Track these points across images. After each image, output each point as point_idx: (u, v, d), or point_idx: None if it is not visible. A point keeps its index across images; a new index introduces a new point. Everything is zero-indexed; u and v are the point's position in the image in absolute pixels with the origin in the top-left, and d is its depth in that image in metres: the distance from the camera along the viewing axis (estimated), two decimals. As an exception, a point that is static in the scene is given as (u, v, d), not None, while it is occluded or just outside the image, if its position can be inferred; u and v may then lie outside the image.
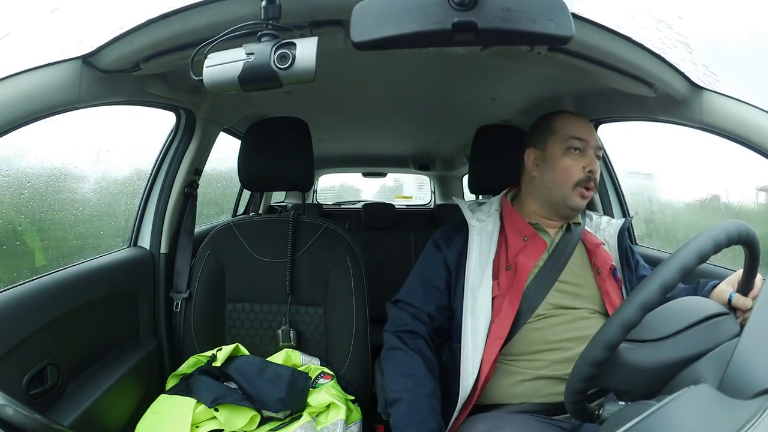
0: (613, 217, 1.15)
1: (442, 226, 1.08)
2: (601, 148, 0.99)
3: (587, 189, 0.95)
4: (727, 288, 0.75)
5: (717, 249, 0.56)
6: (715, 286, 0.80)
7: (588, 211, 1.10)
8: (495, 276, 0.93)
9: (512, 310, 0.89)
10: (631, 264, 1.02)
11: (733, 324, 0.59)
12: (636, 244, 1.46)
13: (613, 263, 0.98)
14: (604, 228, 1.06)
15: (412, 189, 4.03)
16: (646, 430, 0.45)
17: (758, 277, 0.67)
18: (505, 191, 1.09)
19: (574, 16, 0.57)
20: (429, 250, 1.04)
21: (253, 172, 1.23)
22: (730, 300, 0.70)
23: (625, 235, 1.05)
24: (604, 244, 1.01)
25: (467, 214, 1.01)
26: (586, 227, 1.02)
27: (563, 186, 0.95)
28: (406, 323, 0.97)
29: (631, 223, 1.42)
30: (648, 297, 0.54)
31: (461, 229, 1.01)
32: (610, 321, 0.56)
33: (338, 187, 4.04)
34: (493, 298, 0.91)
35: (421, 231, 2.48)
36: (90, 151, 1.26)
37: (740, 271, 0.69)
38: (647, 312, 0.54)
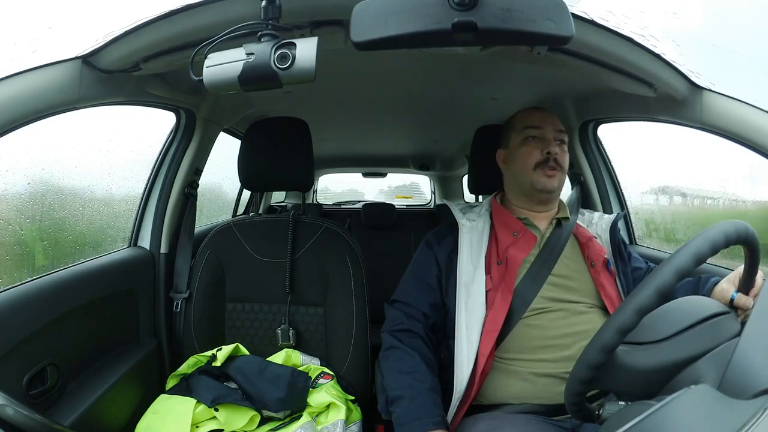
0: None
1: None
2: (562, 131, 1.02)
3: (550, 169, 0.98)
4: (728, 287, 0.75)
5: (715, 250, 0.56)
6: (716, 284, 0.80)
7: (581, 209, 1.12)
8: (487, 271, 0.95)
9: (505, 303, 0.90)
10: (624, 256, 1.03)
11: (733, 323, 0.58)
12: (636, 243, 1.46)
13: (606, 256, 0.99)
14: (596, 222, 1.08)
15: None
16: (646, 430, 0.45)
17: (759, 275, 0.67)
18: (494, 194, 1.11)
19: (574, 16, 0.57)
20: (421, 250, 1.06)
21: (253, 172, 1.23)
22: (732, 299, 0.70)
23: (618, 228, 1.06)
24: (596, 238, 1.02)
25: (457, 215, 1.04)
26: (578, 222, 1.04)
27: (526, 171, 1.00)
28: (402, 322, 0.98)
29: (626, 219, 1.43)
30: (644, 301, 0.54)
31: (452, 229, 1.04)
32: (606, 325, 0.56)
33: (340, 191, 4.02)
34: (486, 292, 0.92)
35: (421, 231, 2.45)
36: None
37: (740, 269, 0.69)
38: (643, 315, 0.54)
